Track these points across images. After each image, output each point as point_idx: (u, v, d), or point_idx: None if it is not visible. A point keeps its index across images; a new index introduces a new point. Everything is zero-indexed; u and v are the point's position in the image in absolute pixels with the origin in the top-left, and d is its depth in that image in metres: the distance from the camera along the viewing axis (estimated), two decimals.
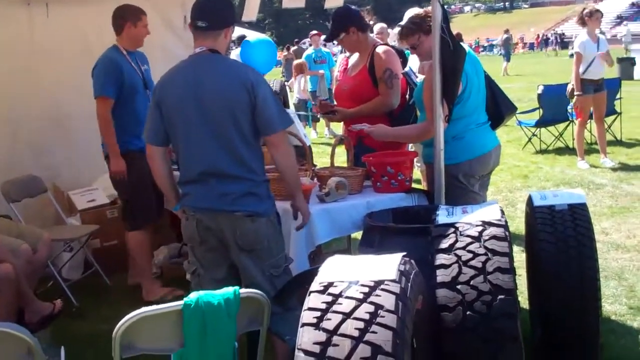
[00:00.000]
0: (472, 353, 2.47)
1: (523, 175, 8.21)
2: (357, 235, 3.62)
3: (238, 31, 14.03)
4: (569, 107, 9.32)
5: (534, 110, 9.84)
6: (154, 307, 2.15)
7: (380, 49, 4.20)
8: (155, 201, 4.76)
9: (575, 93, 7.99)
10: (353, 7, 4.75)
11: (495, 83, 4.10)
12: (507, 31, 30.79)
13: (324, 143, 11.67)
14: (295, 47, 21.37)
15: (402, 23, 3.92)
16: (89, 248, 5.41)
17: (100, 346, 3.43)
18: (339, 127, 8.47)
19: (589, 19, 7.89)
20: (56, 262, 5.22)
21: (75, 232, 5.23)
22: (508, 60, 27.65)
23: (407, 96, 4.29)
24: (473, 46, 54.54)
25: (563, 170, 8.36)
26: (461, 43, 3.57)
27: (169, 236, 5.59)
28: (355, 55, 4.43)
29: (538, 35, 47.49)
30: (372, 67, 4.16)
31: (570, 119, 9.41)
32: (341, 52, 10.06)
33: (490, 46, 53.30)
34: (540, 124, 9.53)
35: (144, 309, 2.14)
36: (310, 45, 14.45)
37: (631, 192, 7.05)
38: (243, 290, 2.26)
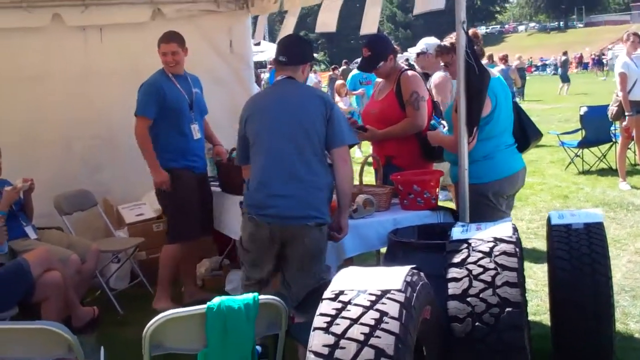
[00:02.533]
0: None
1: (563, 196, 8.19)
2: None
3: None
4: (612, 128, 9.27)
5: (576, 131, 9.80)
6: (180, 309, 2.35)
7: (406, 74, 4.35)
8: (201, 219, 4.90)
9: (626, 114, 7.97)
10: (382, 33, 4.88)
11: (523, 110, 4.24)
12: (565, 53, 30.66)
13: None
14: (344, 67, 21.61)
15: (442, 43, 4.11)
16: (136, 259, 5.64)
17: (141, 351, 3.67)
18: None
19: (626, 42, 8.00)
20: (104, 272, 5.47)
21: (122, 244, 5.49)
22: (568, 80, 27.39)
23: (434, 117, 4.44)
24: (526, 65, 53.71)
25: (604, 191, 8.30)
26: (495, 65, 3.73)
27: (211, 250, 5.84)
28: (380, 80, 4.60)
29: (592, 54, 46.81)
30: (399, 91, 4.30)
31: (614, 139, 9.35)
32: None
33: (543, 66, 52.51)
34: (583, 144, 9.50)
35: (171, 311, 2.34)
36: None
37: None
38: (262, 296, 2.45)
